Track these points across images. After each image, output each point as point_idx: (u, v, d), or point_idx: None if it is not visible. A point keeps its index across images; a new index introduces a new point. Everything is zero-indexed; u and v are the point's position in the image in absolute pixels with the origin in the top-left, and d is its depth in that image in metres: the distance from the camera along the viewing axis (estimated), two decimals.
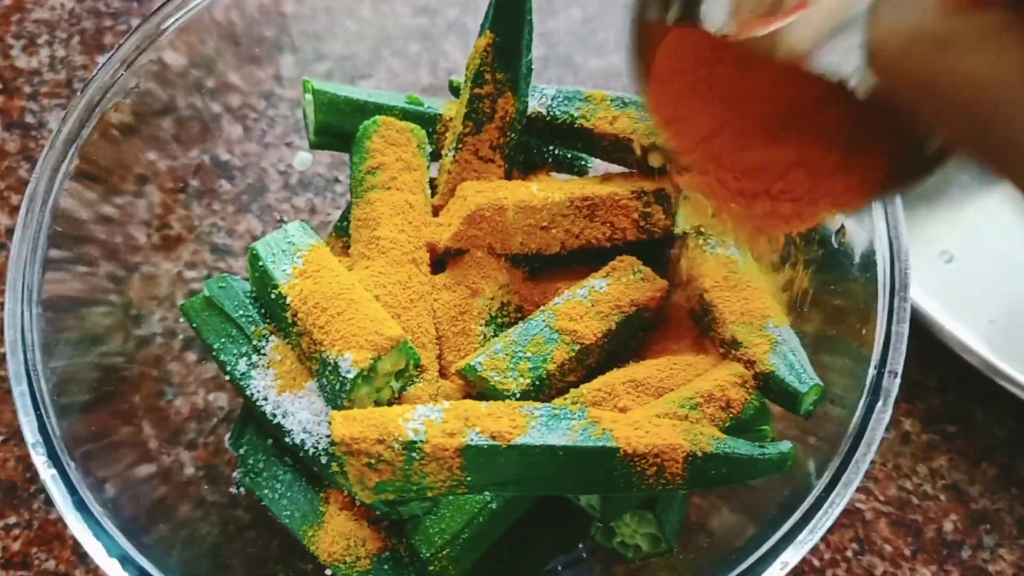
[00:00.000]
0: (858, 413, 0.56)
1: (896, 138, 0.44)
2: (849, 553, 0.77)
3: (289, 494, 0.65)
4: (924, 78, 0.35)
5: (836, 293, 0.67)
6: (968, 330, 0.81)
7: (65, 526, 0.78)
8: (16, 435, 0.81)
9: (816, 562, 0.77)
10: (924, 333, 0.80)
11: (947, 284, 0.85)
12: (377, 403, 0.61)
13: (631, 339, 0.70)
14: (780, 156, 0.48)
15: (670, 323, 0.71)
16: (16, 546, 0.77)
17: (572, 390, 0.65)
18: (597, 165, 0.81)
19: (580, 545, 0.71)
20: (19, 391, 0.57)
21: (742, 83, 0.48)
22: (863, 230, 0.63)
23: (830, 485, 0.54)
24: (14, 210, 0.90)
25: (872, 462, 0.58)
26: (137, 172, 0.76)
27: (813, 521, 0.53)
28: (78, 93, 0.68)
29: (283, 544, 0.70)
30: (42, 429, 0.56)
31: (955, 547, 0.77)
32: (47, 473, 0.55)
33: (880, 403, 0.56)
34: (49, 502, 0.79)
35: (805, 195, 0.48)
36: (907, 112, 0.40)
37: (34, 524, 0.78)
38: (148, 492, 0.69)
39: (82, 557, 0.78)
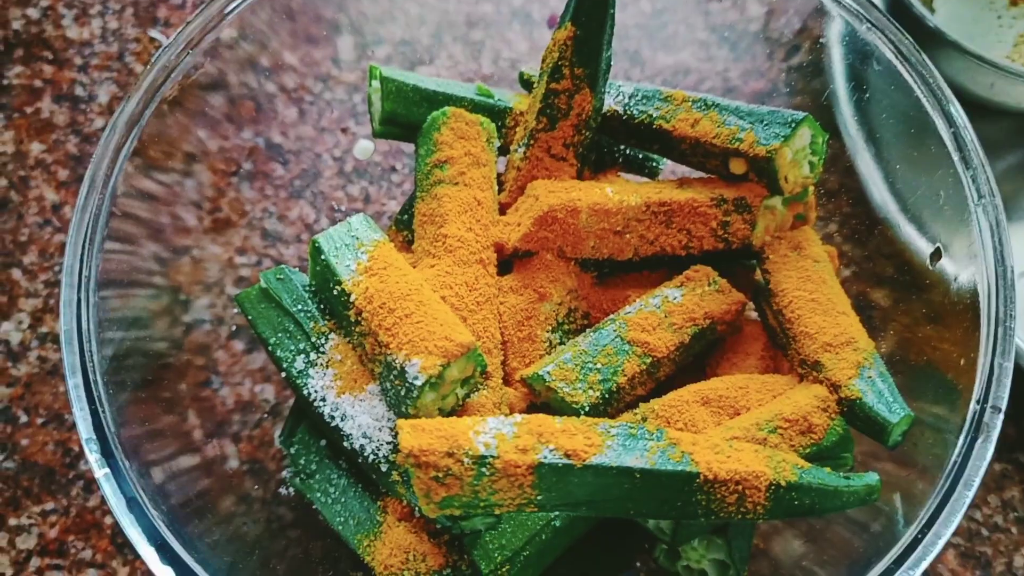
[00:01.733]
0: (957, 450, 0.53)
1: None
2: None
3: (343, 500, 0.62)
4: None
5: (924, 317, 0.64)
6: None
7: (103, 515, 0.76)
8: (55, 419, 0.79)
9: None
10: None
11: None
12: (441, 410, 0.58)
13: (703, 353, 0.67)
14: None
15: (744, 338, 0.68)
16: (53, 533, 0.75)
17: (642, 404, 0.62)
18: (667, 167, 0.78)
19: (637, 565, 0.68)
20: (73, 383, 0.55)
21: None
22: (963, 253, 0.60)
23: (926, 526, 0.51)
24: (61, 185, 0.88)
25: None
26: (188, 152, 0.74)
27: (908, 562, 0.50)
28: (140, 73, 0.66)
29: (327, 547, 0.68)
30: (96, 426, 0.54)
31: None
32: (100, 472, 0.53)
33: (981, 440, 0.52)
34: (88, 489, 0.77)
35: None
36: None
37: (71, 511, 0.76)
38: (190, 484, 0.67)
39: (119, 548, 0.76)
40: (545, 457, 0.52)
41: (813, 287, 0.64)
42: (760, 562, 0.66)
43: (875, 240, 0.74)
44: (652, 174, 0.77)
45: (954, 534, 0.75)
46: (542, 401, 0.63)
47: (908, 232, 0.70)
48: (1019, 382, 0.75)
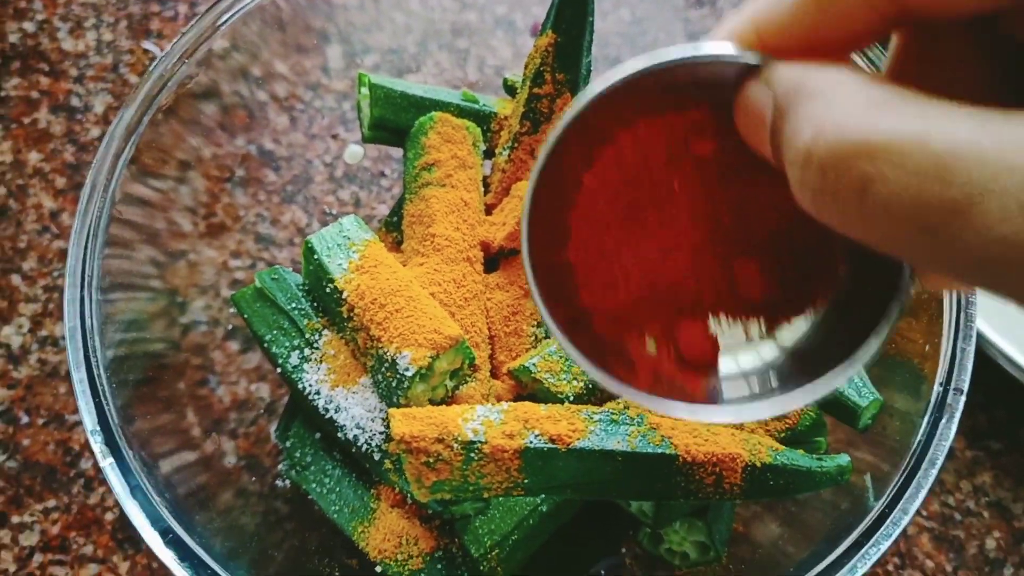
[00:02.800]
0: (922, 429, 0.56)
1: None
2: (890, 567, 0.76)
3: (338, 489, 0.64)
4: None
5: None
6: (1016, 346, 0.80)
7: (104, 511, 0.78)
8: (56, 419, 0.81)
9: None
10: None
11: (996, 298, 0.84)
12: (431, 401, 0.61)
13: None
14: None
15: None
16: (55, 530, 0.77)
17: None
18: None
19: (623, 550, 0.70)
20: (78, 378, 0.57)
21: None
22: None
23: (892, 502, 0.53)
24: (59, 193, 0.90)
25: None
26: (185, 160, 0.76)
27: (876, 536, 0.52)
28: (135, 84, 0.68)
29: (324, 537, 0.70)
30: (101, 418, 0.56)
31: (997, 565, 0.77)
32: (105, 462, 0.55)
33: (944, 420, 0.55)
34: (88, 487, 0.79)
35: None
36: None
37: (73, 508, 0.78)
38: (190, 479, 0.69)
39: (120, 543, 0.78)
40: (531, 442, 0.55)
41: None
42: (741, 546, 0.68)
43: None
44: None
45: (928, 518, 0.78)
46: (528, 392, 0.65)
47: None
48: (990, 373, 0.78)
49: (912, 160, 0.25)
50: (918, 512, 0.78)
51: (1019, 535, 0.78)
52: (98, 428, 0.55)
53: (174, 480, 0.64)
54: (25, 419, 0.81)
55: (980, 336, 0.79)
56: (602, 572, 0.69)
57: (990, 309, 0.81)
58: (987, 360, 0.79)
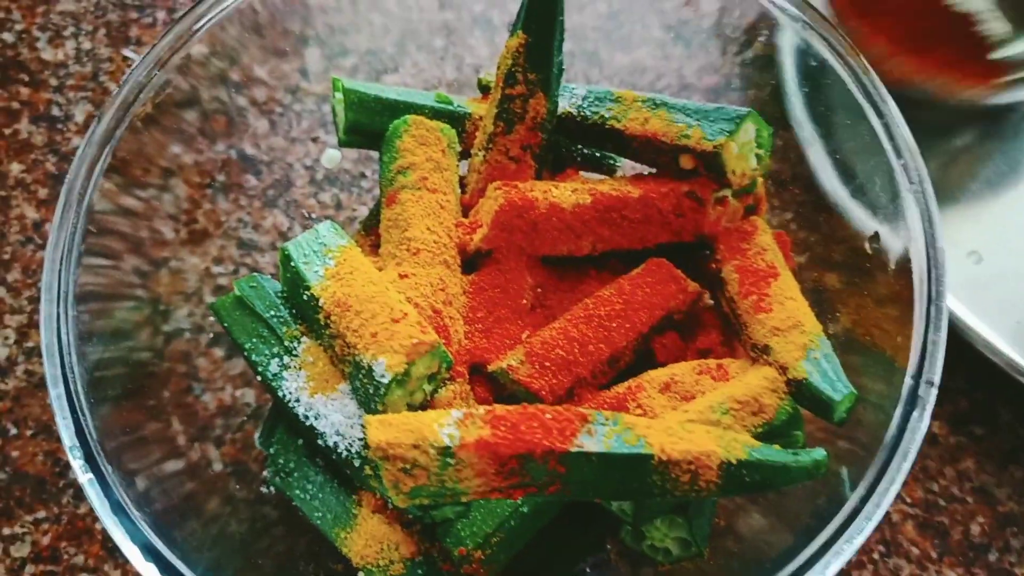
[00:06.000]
0: (894, 423, 0.56)
1: None
2: (876, 555, 0.77)
3: (321, 495, 0.65)
4: None
5: (870, 299, 0.67)
6: (995, 331, 0.80)
7: (94, 521, 0.79)
8: (45, 430, 0.82)
9: None
10: (951, 334, 0.79)
11: (975, 285, 0.84)
12: (410, 406, 0.61)
13: (662, 342, 0.70)
14: None
15: (701, 326, 0.71)
16: (45, 540, 0.78)
17: (603, 392, 0.65)
18: (625, 164, 0.81)
19: (608, 547, 0.71)
20: (56, 394, 0.57)
21: None
22: (898, 236, 0.63)
23: (865, 497, 0.54)
24: (41, 203, 0.90)
25: None
26: (164, 167, 0.76)
27: (848, 532, 0.53)
28: (113, 92, 0.68)
29: (311, 542, 0.71)
30: (79, 433, 0.56)
31: (982, 550, 0.77)
32: (84, 477, 0.55)
33: (916, 413, 0.55)
34: (78, 497, 0.80)
35: None
36: None
37: (63, 519, 0.79)
38: (176, 488, 0.69)
39: (111, 551, 0.78)
40: None
41: (761, 274, 0.67)
42: (725, 539, 0.68)
43: (827, 227, 0.77)
44: (610, 172, 0.80)
45: (912, 505, 0.78)
46: (508, 394, 0.65)
47: (856, 218, 0.73)
48: (970, 358, 0.79)
49: None
50: (902, 499, 0.79)
51: (1003, 520, 0.78)
52: (77, 444, 0.56)
53: (159, 490, 0.65)
54: (13, 431, 0.82)
55: (958, 322, 0.80)
56: (587, 569, 0.70)
57: (970, 295, 0.82)
58: (967, 346, 0.80)
